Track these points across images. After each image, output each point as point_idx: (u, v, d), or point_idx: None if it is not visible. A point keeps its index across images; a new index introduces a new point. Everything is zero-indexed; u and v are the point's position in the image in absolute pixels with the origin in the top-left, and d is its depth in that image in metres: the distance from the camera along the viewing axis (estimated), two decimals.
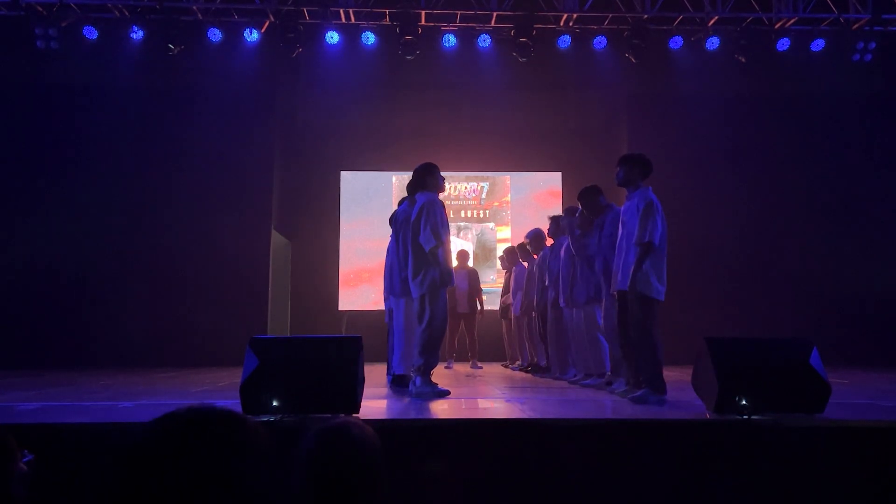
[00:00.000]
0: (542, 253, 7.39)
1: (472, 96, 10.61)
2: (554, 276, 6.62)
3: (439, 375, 7.63)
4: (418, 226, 5.17)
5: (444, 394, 4.98)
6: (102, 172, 9.66)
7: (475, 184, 11.80)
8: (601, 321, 5.66)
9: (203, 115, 9.90)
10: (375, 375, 5.46)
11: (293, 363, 3.65)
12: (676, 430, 3.48)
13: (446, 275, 5.14)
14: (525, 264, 8.21)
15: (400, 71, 9.60)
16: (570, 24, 9.23)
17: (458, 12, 9.07)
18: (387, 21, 9.13)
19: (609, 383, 5.51)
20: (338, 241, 11.54)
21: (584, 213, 5.95)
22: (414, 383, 5.05)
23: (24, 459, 1.90)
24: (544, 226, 7.45)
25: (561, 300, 6.42)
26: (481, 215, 11.80)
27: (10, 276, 9.30)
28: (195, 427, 0.97)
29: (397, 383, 5.46)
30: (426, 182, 5.36)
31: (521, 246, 8.25)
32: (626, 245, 4.73)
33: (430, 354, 5.10)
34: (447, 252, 5.21)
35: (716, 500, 3.19)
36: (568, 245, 6.27)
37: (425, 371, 5.06)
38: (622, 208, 4.96)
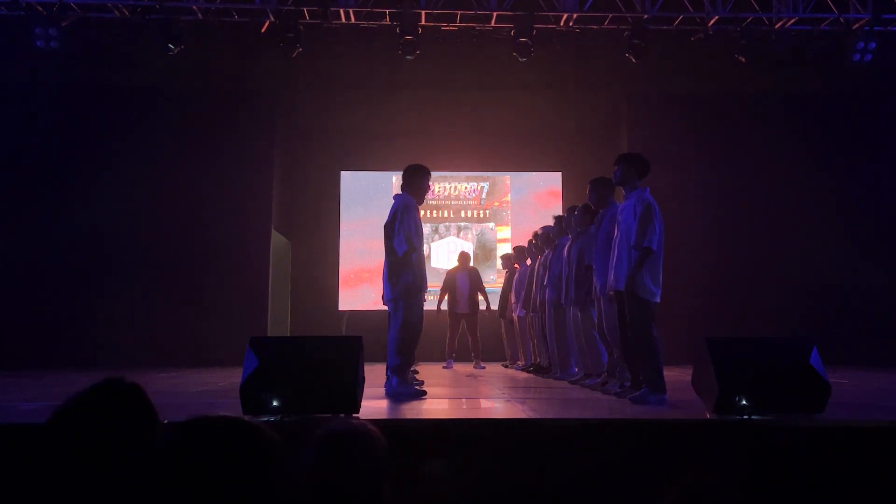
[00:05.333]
0: (544, 252, 7.40)
1: (472, 96, 10.61)
2: (555, 275, 6.62)
3: (440, 375, 7.65)
4: (391, 230, 5.17)
5: (420, 395, 4.98)
6: (101, 172, 9.67)
7: (475, 184, 11.80)
8: (598, 320, 5.65)
9: (203, 115, 9.91)
10: (375, 375, 5.46)
11: (293, 363, 3.65)
12: (676, 430, 3.48)
13: (420, 279, 5.12)
14: (528, 262, 8.22)
15: (400, 71, 9.59)
16: (570, 23, 9.23)
17: (458, 12, 9.06)
18: (387, 21, 9.12)
19: (604, 384, 5.50)
20: (338, 241, 11.54)
21: (586, 208, 5.96)
22: (390, 384, 5.05)
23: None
24: (548, 222, 7.45)
25: (562, 299, 6.42)
26: (481, 215, 11.79)
27: (9, 276, 9.30)
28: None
29: None
30: (412, 182, 5.34)
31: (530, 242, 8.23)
32: (621, 245, 4.72)
33: (406, 355, 5.11)
34: (420, 257, 5.18)
35: (715, 501, 3.19)
36: (570, 245, 6.27)
37: (401, 371, 5.06)
38: (619, 207, 4.96)
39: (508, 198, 11.85)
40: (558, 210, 10.00)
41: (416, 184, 5.34)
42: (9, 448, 2.99)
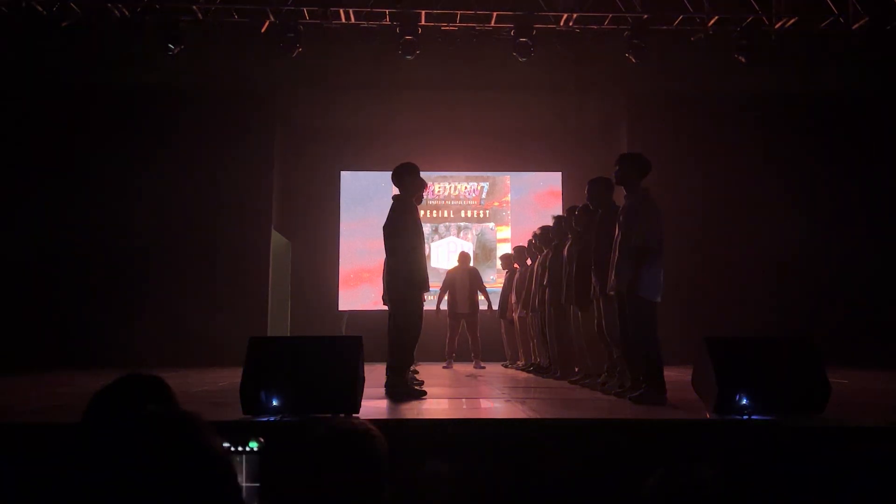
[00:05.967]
0: (544, 252, 7.40)
1: (472, 96, 10.60)
2: (556, 275, 6.62)
3: (440, 375, 7.65)
4: (389, 230, 5.17)
5: (420, 395, 4.98)
6: (102, 172, 9.66)
7: (475, 184, 11.79)
8: (598, 320, 5.65)
9: (203, 115, 9.91)
10: (375, 375, 5.46)
11: (293, 363, 3.66)
12: (676, 430, 3.49)
13: (420, 279, 5.11)
14: (528, 262, 8.22)
15: (400, 71, 9.59)
16: (570, 23, 9.23)
17: (458, 12, 9.06)
18: (387, 21, 9.13)
19: (604, 384, 5.51)
20: (338, 241, 11.54)
21: (586, 208, 5.95)
22: (388, 383, 5.06)
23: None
24: (548, 222, 7.45)
25: (563, 299, 6.42)
26: (481, 215, 11.79)
27: (9, 276, 9.29)
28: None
29: None
30: (404, 182, 5.34)
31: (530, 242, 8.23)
32: (621, 245, 4.72)
33: (404, 354, 5.12)
34: (419, 257, 5.17)
35: (714, 501, 3.19)
36: (570, 244, 6.27)
37: (399, 371, 5.06)
38: (620, 207, 4.96)
39: (508, 198, 11.85)
40: (558, 210, 10.00)
41: (407, 182, 5.34)
42: (14, 447, 3.00)
